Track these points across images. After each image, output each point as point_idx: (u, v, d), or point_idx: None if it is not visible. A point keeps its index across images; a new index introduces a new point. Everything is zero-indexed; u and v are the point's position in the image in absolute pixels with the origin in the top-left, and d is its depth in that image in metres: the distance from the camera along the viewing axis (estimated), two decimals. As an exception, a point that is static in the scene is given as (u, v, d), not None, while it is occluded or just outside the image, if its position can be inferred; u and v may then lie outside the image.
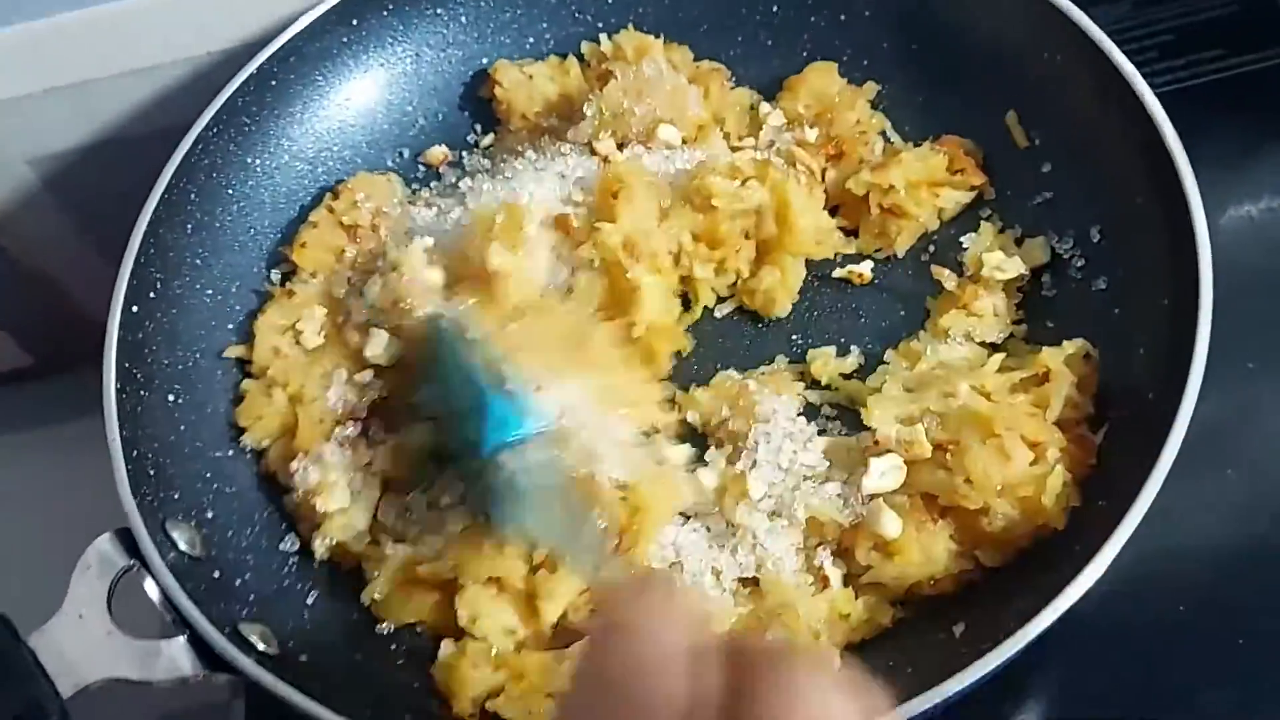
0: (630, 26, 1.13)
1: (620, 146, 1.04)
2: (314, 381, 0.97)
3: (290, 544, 0.94)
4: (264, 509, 0.96)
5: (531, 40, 1.17)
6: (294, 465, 0.93)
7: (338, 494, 0.91)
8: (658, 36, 1.11)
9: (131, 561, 0.83)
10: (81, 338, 1.19)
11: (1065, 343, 0.89)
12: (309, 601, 0.91)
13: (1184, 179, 0.88)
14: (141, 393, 0.94)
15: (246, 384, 0.99)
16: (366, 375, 0.97)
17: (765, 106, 1.10)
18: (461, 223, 1.01)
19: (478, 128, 1.16)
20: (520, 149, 1.09)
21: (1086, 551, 0.76)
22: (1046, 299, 0.97)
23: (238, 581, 0.89)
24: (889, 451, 0.85)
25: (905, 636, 0.84)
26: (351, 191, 1.06)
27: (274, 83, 1.09)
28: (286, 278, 1.05)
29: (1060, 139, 1.01)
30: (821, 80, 1.10)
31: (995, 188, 1.04)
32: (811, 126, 1.08)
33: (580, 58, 1.15)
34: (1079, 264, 0.97)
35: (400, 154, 1.15)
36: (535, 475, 0.81)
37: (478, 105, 1.16)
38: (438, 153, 1.15)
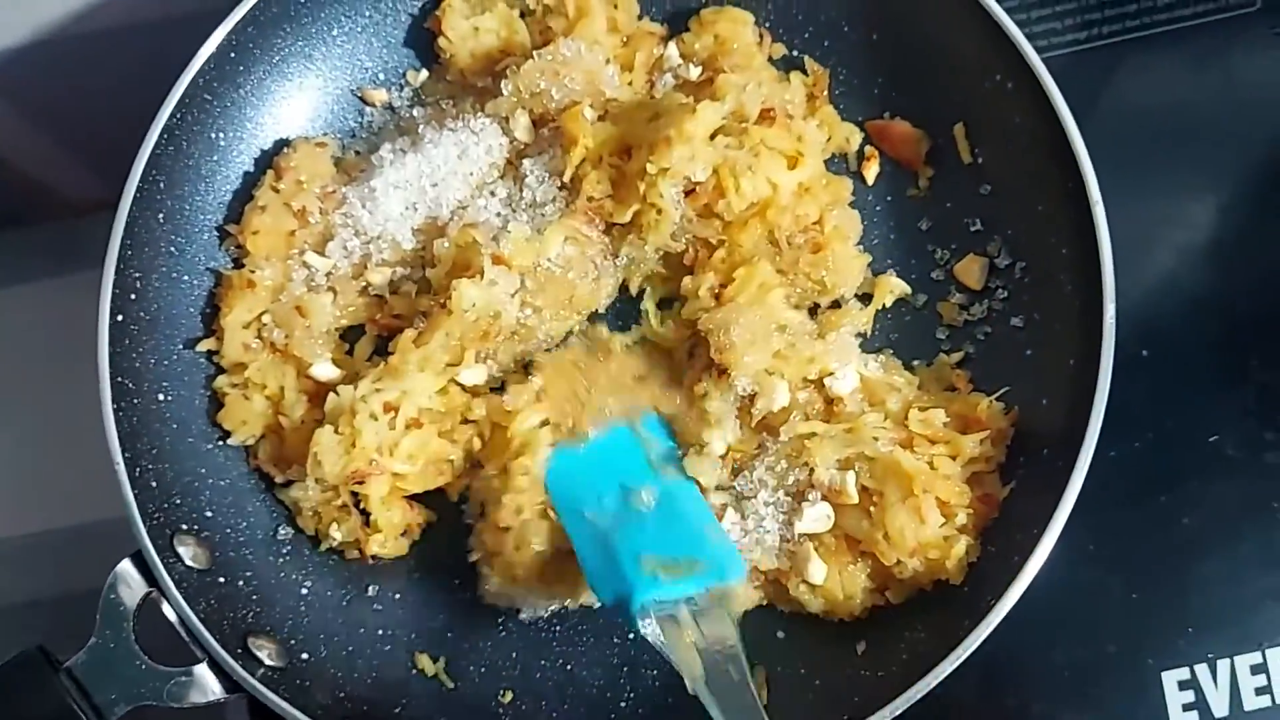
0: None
1: (537, 125, 1.07)
2: (292, 384, 1.04)
3: (285, 533, 1.05)
4: (257, 498, 1.05)
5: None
6: (291, 473, 1.02)
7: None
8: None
9: (149, 590, 0.94)
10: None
11: (983, 399, 0.99)
12: (304, 591, 1.03)
13: (1102, 252, 0.96)
14: (135, 401, 1.01)
15: (223, 384, 1.05)
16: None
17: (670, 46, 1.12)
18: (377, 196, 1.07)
19: (415, 62, 1.17)
20: (446, 104, 1.12)
21: (983, 605, 0.90)
22: (970, 322, 1.06)
23: (239, 582, 1.01)
24: (823, 499, 0.97)
25: (810, 650, 0.99)
26: (295, 170, 1.08)
27: (233, 54, 1.08)
28: (235, 258, 1.09)
29: (1001, 165, 1.06)
30: (730, 27, 1.11)
31: (935, 198, 1.09)
32: (698, 66, 1.11)
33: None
34: (1002, 295, 1.05)
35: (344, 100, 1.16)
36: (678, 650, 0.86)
37: (419, 36, 1.16)
38: (379, 94, 1.16)
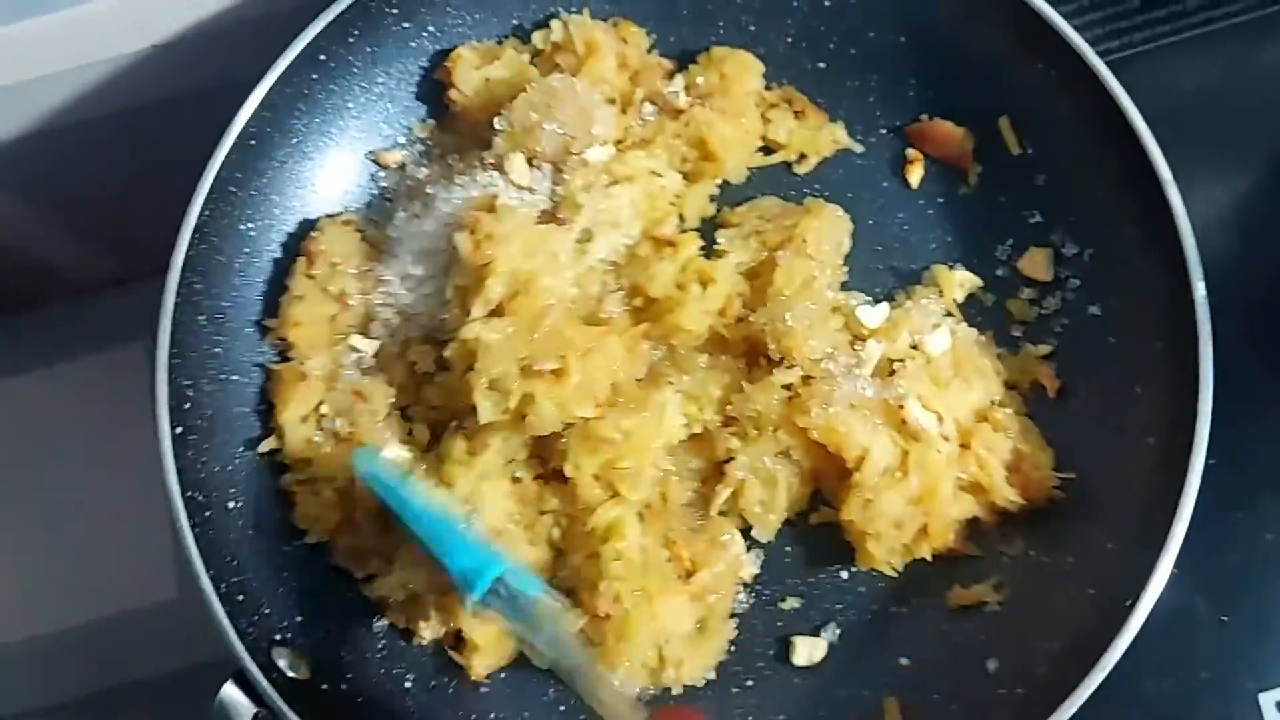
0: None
1: (530, 163, 1.03)
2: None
3: (380, 626, 1.00)
4: (344, 596, 1.01)
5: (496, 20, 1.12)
6: (371, 568, 0.99)
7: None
8: (623, 18, 1.11)
9: (257, 710, 0.90)
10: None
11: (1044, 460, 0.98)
12: (409, 685, 0.99)
13: (1181, 229, 0.94)
14: (207, 514, 0.96)
15: (290, 482, 1.01)
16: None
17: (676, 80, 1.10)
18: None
19: (423, 114, 1.13)
20: (454, 160, 1.09)
21: (1119, 609, 0.87)
22: (1045, 316, 1.04)
23: (342, 685, 0.97)
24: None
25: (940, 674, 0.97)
26: (326, 254, 1.04)
27: (254, 142, 1.03)
28: (280, 351, 1.05)
29: (1053, 154, 1.04)
30: (737, 69, 1.09)
31: (987, 194, 1.07)
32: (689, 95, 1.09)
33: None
34: (1074, 284, 1.03)
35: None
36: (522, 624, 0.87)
37: (430, 88, 1.12)
38: (393, 156, 1.12)
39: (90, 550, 1.16)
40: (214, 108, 1.01)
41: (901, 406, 0.95)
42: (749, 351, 1.01)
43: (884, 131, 1.11)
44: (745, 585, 1.00)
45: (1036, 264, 1.04)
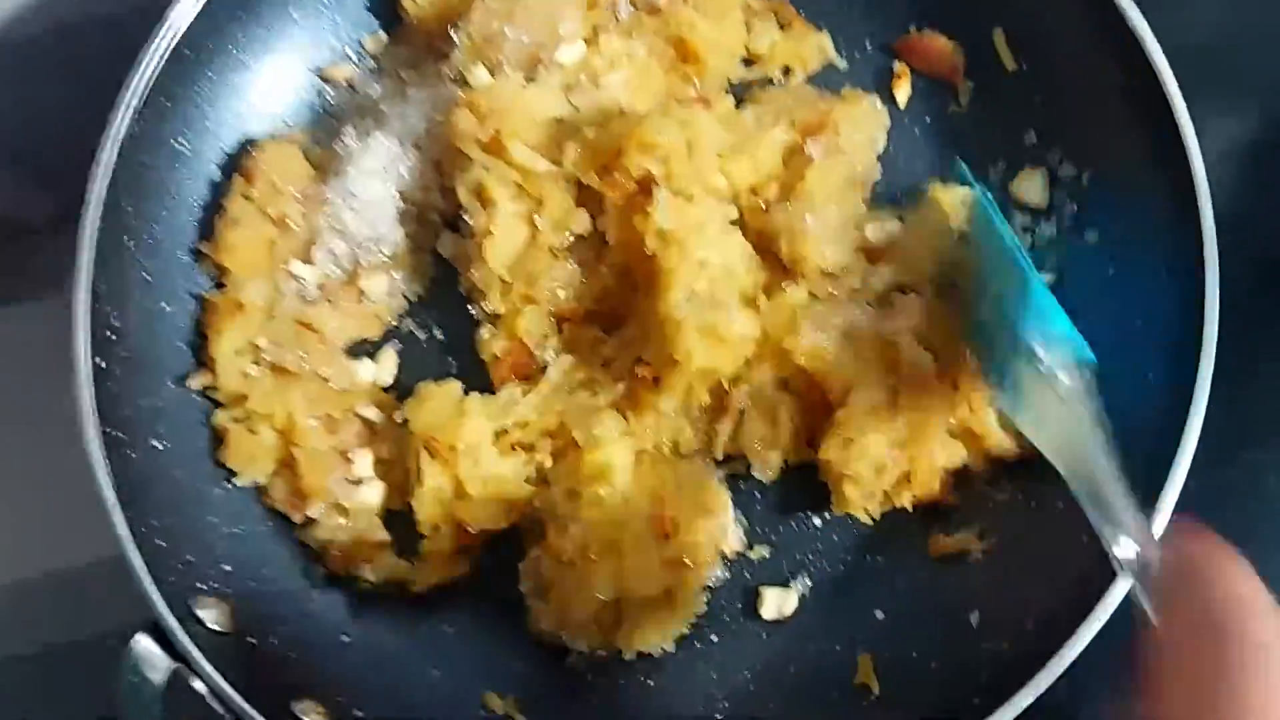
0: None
1: (493, 75, 0.95)
2: (301, 406, 0.93)
3: (319, 575, 0.94)
4: (279, 543, 0.94)
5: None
6: (311, 512, 0.92)
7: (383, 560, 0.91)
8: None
9: (174, 665, 0.83)
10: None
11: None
12: (346, 640, 0.93)
13: (1189, 145, 0.86)
14: (129, 453, 0.89)
15: (223, 419, 0.94)
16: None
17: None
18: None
19: (374, 27, 1.05)
20: (407, 74, 1.01)
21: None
22: (1039, 246, 0.96)
23: (273, 639, 0.90)
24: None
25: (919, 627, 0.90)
26: (266, 173, 0.96)
27: (188, 50, 0.95)
28: (216, 280, 0.97)
29: (1051, 70, 0.96)
30: None
31: (979, 113, 0.99)
32: None
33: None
34: (1071, 209, 0.95)
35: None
36: (1069, 394, 0.80)
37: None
38: (341, 71, 1.04)
39: (20, 507, 1.09)
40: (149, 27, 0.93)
41: (896, 342, 0.87)
42: (763, 251, 0.94)
43: (869, 46, 1.02)
44: (725, 558, 0.93)
45: (1030, 187, 0.96)
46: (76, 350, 0.88)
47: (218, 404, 0.95)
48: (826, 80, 1.02)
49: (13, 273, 1.21)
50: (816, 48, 1.02)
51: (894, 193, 0.98)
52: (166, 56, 0.93)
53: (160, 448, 0.92)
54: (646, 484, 0.90)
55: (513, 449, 0.91)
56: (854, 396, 0.86)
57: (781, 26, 1.03)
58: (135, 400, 0.91)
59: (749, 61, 1.02)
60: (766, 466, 0.91)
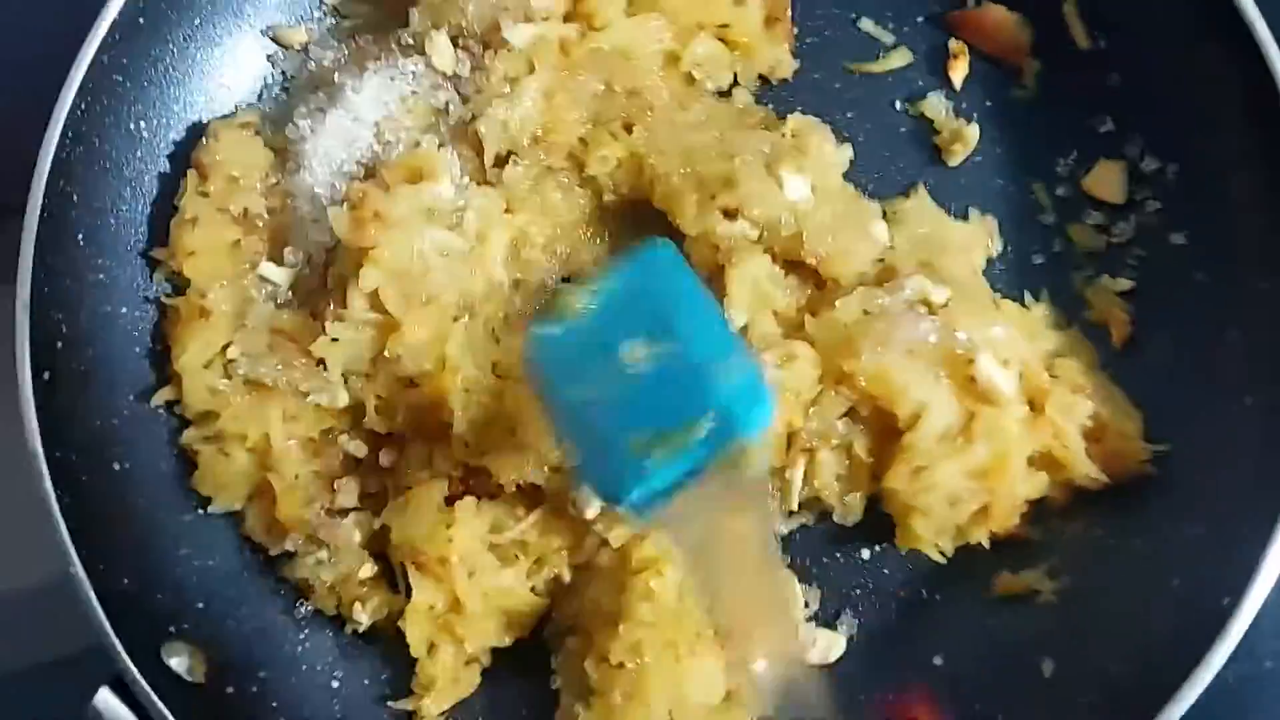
0: None
1: (456, 43, 0.85)
2: (278, 426, 0.82)
3: (303, 613, 0.83)
4: (258, 576, 0.84)
5: None
6: (290, 545, 0.81)
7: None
8: None
9: (139, 723, 0.72)
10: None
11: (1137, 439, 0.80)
12: (335, 684, 0.82)
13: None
14: (83, 478, 0.78)
15: (191, 438, 0.83)
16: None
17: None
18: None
19: None
20: (365, 41, 0.89)
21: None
22: (1116, 245, 0.86)
23: (252, 688, 0.80)
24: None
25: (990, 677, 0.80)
26: (222, 166, 0.85)
27: (142, 20, 0.83)
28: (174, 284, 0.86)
29: (1132, 48, 0.86)
30: None
31: (1048, 96, 0.89)
32: None
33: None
34: (1153, 207, 0.85)
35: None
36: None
37: None
38: (295, 34, 0.93)
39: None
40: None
41: (971, 360, 0.77)
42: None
43: (920, 20, 0.92)
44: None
45: (1107, 182, 0.87)
46: (20, 359, 0.77)
47: (185, 422, 0.84)
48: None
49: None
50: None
51: (952, 184, 0.88)
52: (117, 23, 0.82)
53: (120, 469, 0.81)
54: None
55: (515, 557, 0.80)
56: (924, 420, 0.76)
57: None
58: (90, 418, 0.81)
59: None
60: (849, 512, 0.81)
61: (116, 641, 0.73)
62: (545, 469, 0.78)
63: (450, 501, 0.80)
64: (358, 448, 0.83)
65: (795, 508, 0.81)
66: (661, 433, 0.66)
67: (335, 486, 0.82)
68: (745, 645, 0.68)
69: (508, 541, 0.80)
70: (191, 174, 0.85)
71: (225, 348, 0.83)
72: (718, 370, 0.69)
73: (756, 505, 0.71)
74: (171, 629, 0.78)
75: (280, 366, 0.82)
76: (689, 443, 0.66)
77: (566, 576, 0.80)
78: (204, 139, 0.85)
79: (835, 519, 0.82)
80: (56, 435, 0.77)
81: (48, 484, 0.75)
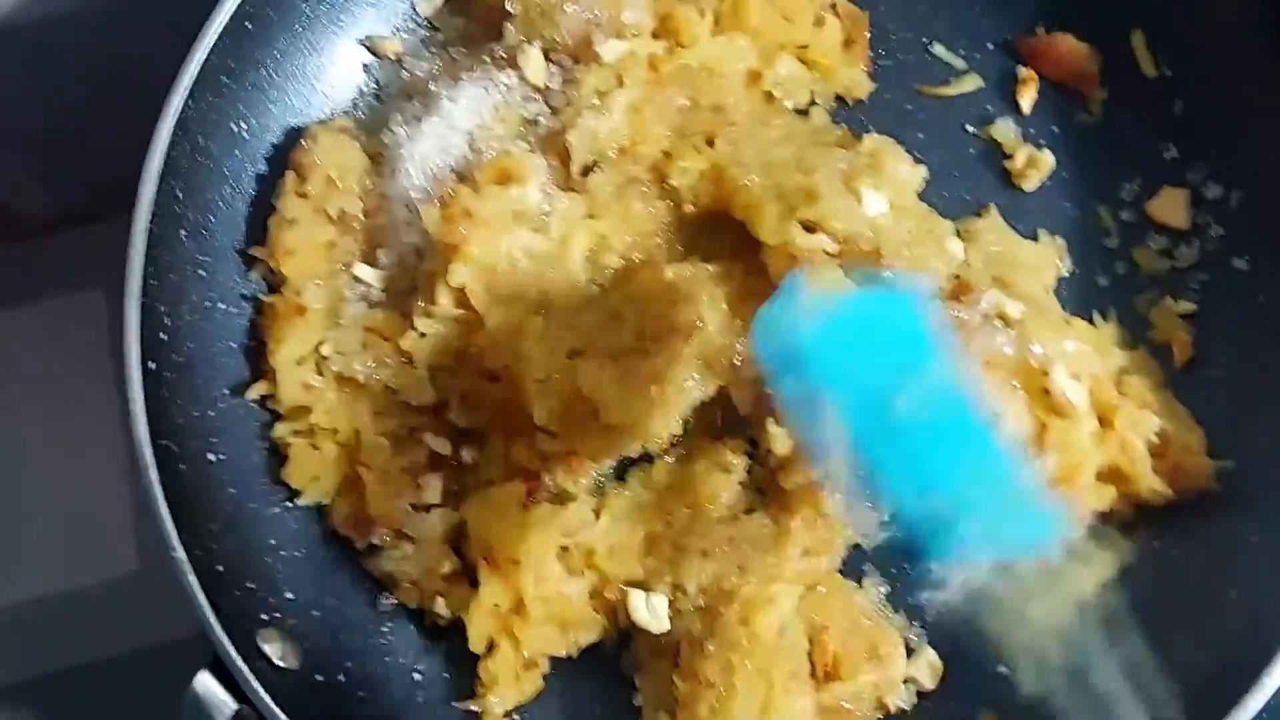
0: None
1: (548, 56, 0.88)
2: (368, 421, 0.84)
3: (386, 604, 0.85)
4: (343, 568, 0.86)
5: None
6: (376, 539, 0.84)
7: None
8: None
9: (239, 706, 0.74)
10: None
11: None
12: (418, 677, 0.84)
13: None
14: (181, 467, 0.80)
15: (283, 433, 0.85)
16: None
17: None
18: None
19: None
20: (458, 54, 0.92)
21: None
22: (1179, 270, 0.88)
23: (341, 676, 0.82)
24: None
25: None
26: (321, 169, 0.87)
27: (249, 24, 0.86)
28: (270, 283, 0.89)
29: (1198, 76, 0.89)
30: None
31: (1114, 123, 0.92)
32: None
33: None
34: (1216, 233, 0.87)
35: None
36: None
37: None
38: (391, 44, 0.95)
39: (46, 518, 0.99)
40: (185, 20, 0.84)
41: (1046, 372, 0.79)
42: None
43: (991, 46, 0.95)
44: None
45: (1171, 207, 0.89)
46: (130, 353, 0.80)
47: (276, 416, 0.86)
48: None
49: (27, 272, 1.11)
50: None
51: (1018, 207, 0.91)
52: (227, 27, 0.85)
53: (215, 461, 0.84)
54: (807, 610, 0.81)
55: (581, 571, 0.82)
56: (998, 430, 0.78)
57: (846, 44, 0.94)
58: (189, 410, 0.83)
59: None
60: None
61: (216, 624, 0.75)
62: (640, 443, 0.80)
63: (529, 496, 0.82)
64: (441, 445, 0.85)
65: None
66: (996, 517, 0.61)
67: (420, 482, 0.84)
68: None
69: (577, 548, 0.82)
70: (290, 175, 0.87)
71: (319, 345, 0.85)
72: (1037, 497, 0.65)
73: None
74: (264, 617, 0.80)
75: (372, 363, 0.85)
76: (1011, 539, 0.62)
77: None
78: (302, 141, 0.88)
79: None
80: (158, 424, 0.79)
81: (153, 471, 0.77)
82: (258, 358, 0.86)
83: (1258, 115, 0.85)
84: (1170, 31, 0.89)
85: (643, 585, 0.81)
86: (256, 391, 0.86)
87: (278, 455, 0.86)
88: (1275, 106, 0.84)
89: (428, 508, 0.85)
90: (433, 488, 0.85)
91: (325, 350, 0.85)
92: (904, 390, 0.61)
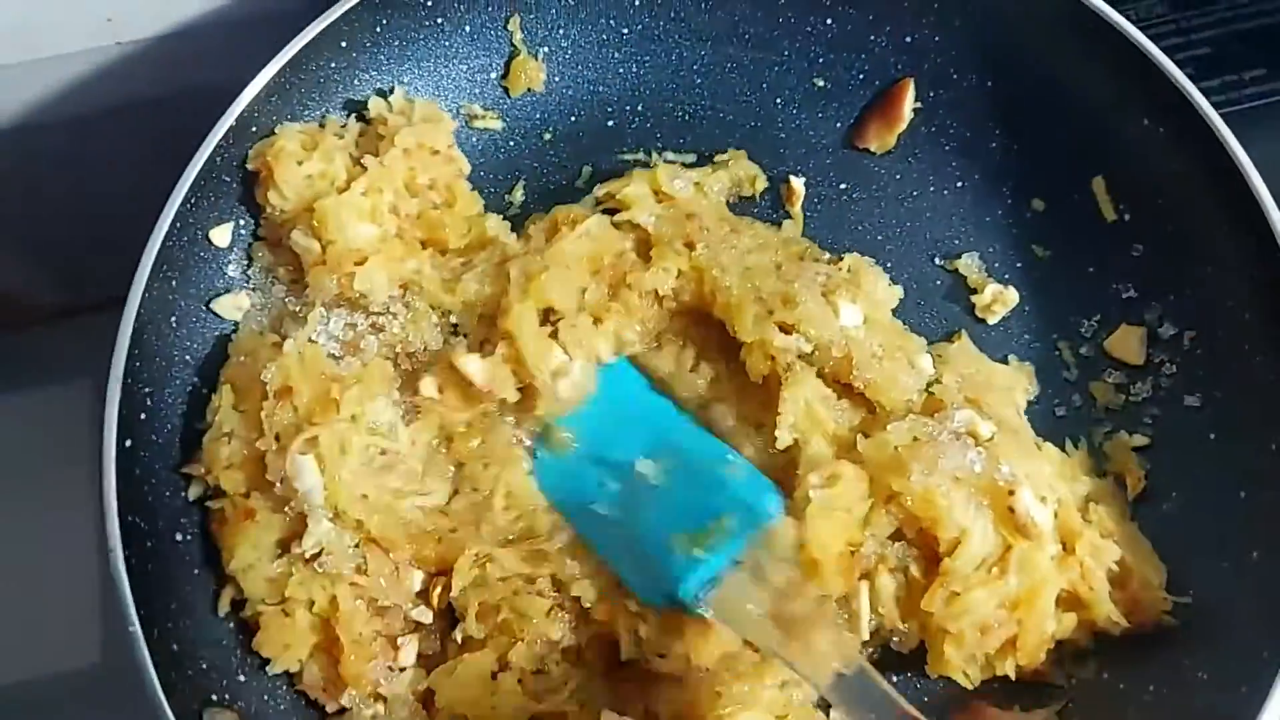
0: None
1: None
2: (347, 595, 0.83)
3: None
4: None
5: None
6: (345, 700, 0.83)
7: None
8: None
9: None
10: None
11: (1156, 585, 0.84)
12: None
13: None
14: (149, 544, 0.82)
15: (253, 609, 0.84)
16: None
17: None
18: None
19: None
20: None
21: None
22: (1133, 404, 0.91)
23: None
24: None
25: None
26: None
27: (253, 130, 0.91)
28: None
29: (1155, 221, 0.92)
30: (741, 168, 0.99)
31: (1074, 262, 0.95)
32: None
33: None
34: (1169, 370, 0.90)
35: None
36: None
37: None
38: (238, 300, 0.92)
39: (12, 605, 1.01)
40: (185, 114, 0.88)
41: (1012, 492, 0.80)
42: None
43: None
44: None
45: (1127, 344, 0.92)
46: (108, 424, 0.82)
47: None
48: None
49: (11, 361, 1.15)
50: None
51: (984, 336, 0.94)
52: (232, 129, 0.89)
53: (181, 540, 0.85)
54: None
55: None
56: (964, 546, 0.79)
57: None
58: (160, 489, 0.85)
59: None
60: (907, 639, 0.84)
61: (163, 699, 0.75)
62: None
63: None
64: (422, 613, 0.85)
65: (867, 636, 0.82)
66: (701, 530, 0.80)
67: (399, 644, 0.84)
68: (810, 657, 0.74)
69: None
70: (225, 390, 0.87)
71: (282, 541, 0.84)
72: (727, 473, 0.85)
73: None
74: (213, 697, 0.80)
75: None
76: (724, 534, 0.80)
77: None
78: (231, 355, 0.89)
79: (893, 646, 0.84)
80: (128, 500, 0.80)
81: (117, 544, 0.78)
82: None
83: (1211, 263, 0.88)
84: (1130, 178, 0.93)
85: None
86: (223, 603, 0.84)
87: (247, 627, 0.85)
88: (1227, 256, 0.87)
89: (403, 668, 0.85)
90: (409, 649, 0.85)
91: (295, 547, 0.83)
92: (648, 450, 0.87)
